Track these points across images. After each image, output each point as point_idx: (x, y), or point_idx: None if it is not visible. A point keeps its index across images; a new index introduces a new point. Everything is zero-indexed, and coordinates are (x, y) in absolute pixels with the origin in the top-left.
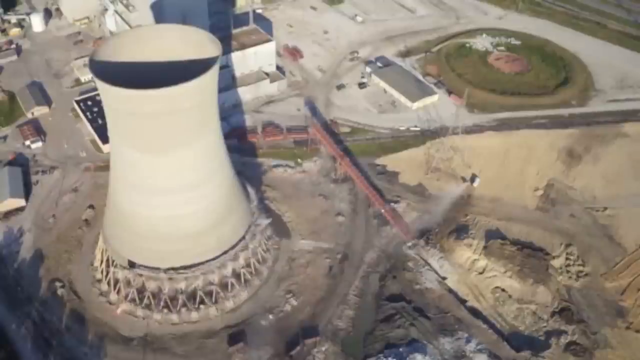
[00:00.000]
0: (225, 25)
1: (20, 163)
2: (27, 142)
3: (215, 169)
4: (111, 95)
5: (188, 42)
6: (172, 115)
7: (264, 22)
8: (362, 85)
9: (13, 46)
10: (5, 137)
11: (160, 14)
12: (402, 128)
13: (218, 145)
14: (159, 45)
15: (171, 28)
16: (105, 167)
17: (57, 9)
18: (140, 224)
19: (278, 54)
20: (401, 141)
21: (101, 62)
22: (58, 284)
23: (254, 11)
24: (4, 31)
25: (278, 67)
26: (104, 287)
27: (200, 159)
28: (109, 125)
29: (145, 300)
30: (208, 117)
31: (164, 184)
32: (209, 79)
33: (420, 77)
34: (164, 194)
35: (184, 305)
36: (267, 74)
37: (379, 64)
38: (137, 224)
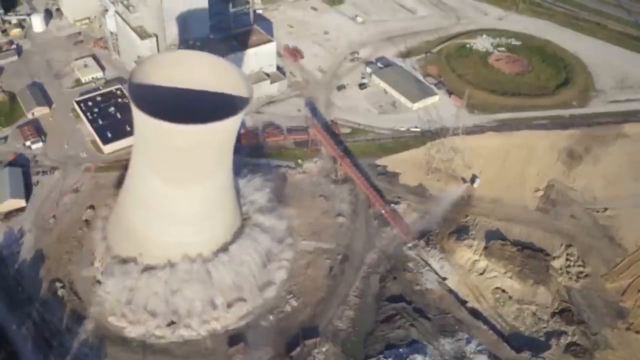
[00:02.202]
0: (225, 25)
1: (21, 163)
2: (28, 143)
3: (227, 199)
4: (142, 121)
5: (221, 74)
6: (199, 149)
7: (264, 23)
8: (362, 85)
9: (14, 46)
10: (5, 138)
11: (161, 15)
12: (402, 129)
13: (230, 177)
14: (191, 72)
15: (206, 57)
16: (105, 167)
17: (58, 10)
18: (150, 246)
19: (278, 55)
20: (401, 142)
21: (138, 85)
22: (58, 284)
23: (254, 11)
24: (4, 31)
25: (278, 68)
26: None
27: (215, 191)
28: (135, 149)
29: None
30: (228, 152)
31: (179, 213)
32: (238, 120)
33: (421, 78)
34: (178, 222)
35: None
36: (267, 74)
37: (379, 64)
38: (146, 245)
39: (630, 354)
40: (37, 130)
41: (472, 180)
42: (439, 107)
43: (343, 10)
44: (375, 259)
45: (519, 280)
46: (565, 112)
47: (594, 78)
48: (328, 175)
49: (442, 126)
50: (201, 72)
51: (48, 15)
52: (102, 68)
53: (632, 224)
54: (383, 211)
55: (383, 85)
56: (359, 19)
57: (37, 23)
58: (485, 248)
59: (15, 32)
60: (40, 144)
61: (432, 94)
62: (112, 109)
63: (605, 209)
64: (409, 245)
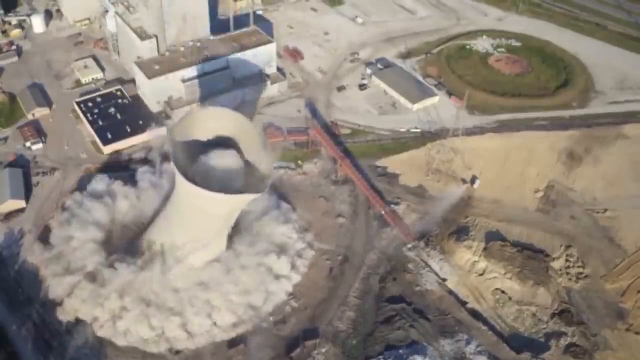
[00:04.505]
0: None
1: (21, 164)
2: (28, 144)
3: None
4: (181, 181)
5: (251, 143)
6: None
7: (264, 23)
8: (362, 86)
9: (14, 47)
10: (5, 139)
11: (161, 16)
12: (402, 129)
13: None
14: (222, 130)
15: (241, 121)
16: (105, 168)
17: (58, 10)
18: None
19: (278, 55)
20: (401, 143)
21: (178, 142)
22: None
23: (254, 12)
24: (4, 32)
25: (278, 69)
26: None
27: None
28: (173, 207)
29: None
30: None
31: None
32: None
33: (421, 79)
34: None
35: None
36: (267, 75)
37: (379, 65)
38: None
39: (630, 354)
40: (37, 131)
41: (472, 181)
42: (439, 108)
43: (343, 11)
44: (375, 259)
45: (519, 281)
46: (565, 113)
47: (593, 79)
48: (328, 176)
49: (442, 127)
50: (232, 133)
51: (48, 16)
52: (102, 69)
53: (632, 225)
54: (383, 212)
55: (383, 86)
56: (359, 20)
57: (37, 24)
58: (485, 249)
59: (16, 32)
60: (40, 145)
61: (432, 94)
62: (112, 109)
63: (605, 210)
64: (409, 246)
